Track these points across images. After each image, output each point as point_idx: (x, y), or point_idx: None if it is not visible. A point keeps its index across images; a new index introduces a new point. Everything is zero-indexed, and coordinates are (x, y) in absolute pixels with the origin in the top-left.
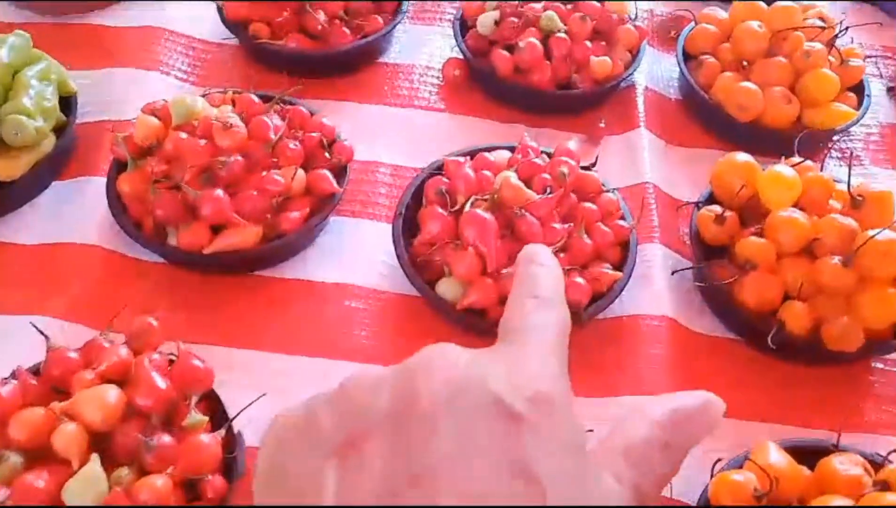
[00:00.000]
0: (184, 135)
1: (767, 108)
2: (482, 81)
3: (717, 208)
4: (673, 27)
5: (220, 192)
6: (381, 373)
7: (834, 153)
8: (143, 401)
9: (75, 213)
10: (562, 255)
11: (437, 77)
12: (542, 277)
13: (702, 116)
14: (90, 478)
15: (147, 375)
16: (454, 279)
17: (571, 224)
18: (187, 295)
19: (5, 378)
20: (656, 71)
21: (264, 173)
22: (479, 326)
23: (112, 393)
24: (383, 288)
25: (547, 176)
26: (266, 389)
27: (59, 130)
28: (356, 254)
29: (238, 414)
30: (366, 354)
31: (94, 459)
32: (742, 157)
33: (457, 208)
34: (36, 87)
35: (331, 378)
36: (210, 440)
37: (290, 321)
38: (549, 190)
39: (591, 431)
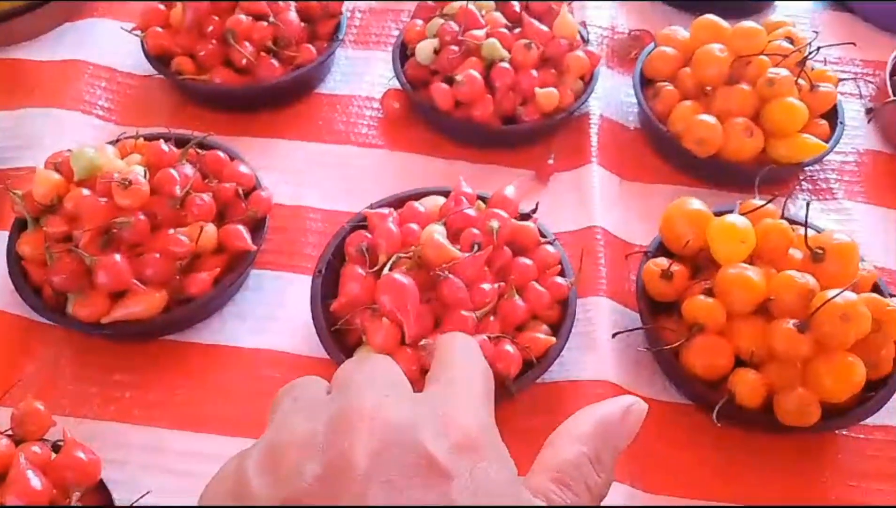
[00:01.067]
0: (86, 192)
1: (728, 141)
2: (423, 115)
3: (663, 262)
4: (634, 47)
5: (117, 257)
6: (309, 428)
7: (806, 187)
8: (15, 503)
9: None
10: (491, 319)
11: (377, 109)
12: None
13: (660, 149)
14: None
15: (21, 474)
16: (371, 349)
17: (503, 284)
18: (93, 364)
19: None
20: (614, 97)
21: (171, 232)
22: None
23: None
24: (304, 352)
25: (476, 231)
26: (169, 471)
27: None
28: (278, 313)
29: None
30: None
31: None
32: (693, 204)
33: (377, 267)
34: None
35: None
36: None
37: (199, 394)
38: (477, 247)
39: None
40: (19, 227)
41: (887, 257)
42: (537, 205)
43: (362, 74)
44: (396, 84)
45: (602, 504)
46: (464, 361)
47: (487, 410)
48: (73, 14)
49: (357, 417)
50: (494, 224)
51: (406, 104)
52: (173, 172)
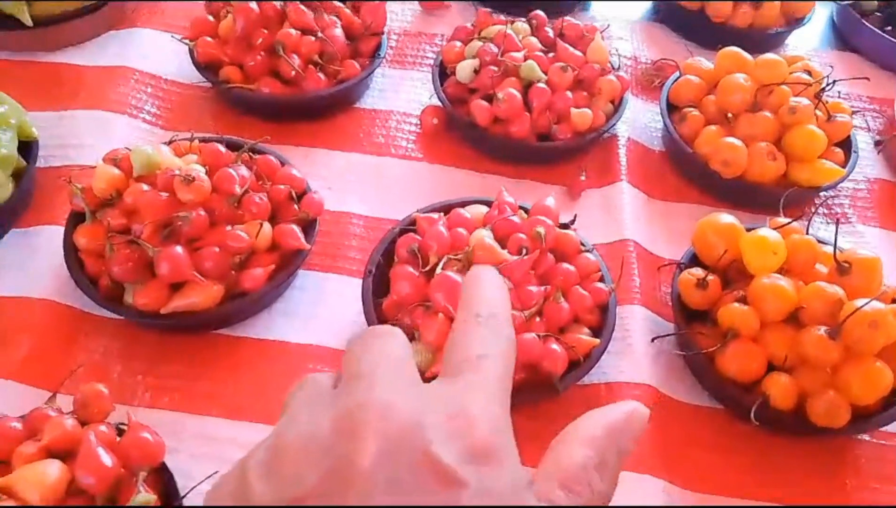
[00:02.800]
0: (145, 187)
1: (752, 164)
2: (461, 130)
3: (699, 272)
4: (656, 76)
5: (179, 249)
6: (313, 429)
7: (822, 210)
8: (86, 479)
9: (30, 265)
10: (538, 320)
11: (415, 124)
12: (486, 294)
13: (685, 170)
14: None
15: (92, 451)
16: (423, 345)
17: (548, 287)
18: (144, 355)
19: None
20: (640, 121)
21: (228, 228)
22: None
23: (53, 470)
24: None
25: (523, 236)
26: (223, 459)
27: (17, 175)
28: (324, 311)
29: (189, 492)
30: None
31: None
32: (725, 218)
33: (428, 267)
34: None
35: None
36: None
37: (251, 385)
38: (524, 251)
39: None
40: (75, 220)
41: None
42: (575, 217)
43: (398, 92)
44: (435, 101)
45: (635, 500)
46: (487, 333)
47: (504, 404)
48: (117, 23)
49: (363, 418)
50: (541, 230)
51: (444, 120)
52: (232, 171)
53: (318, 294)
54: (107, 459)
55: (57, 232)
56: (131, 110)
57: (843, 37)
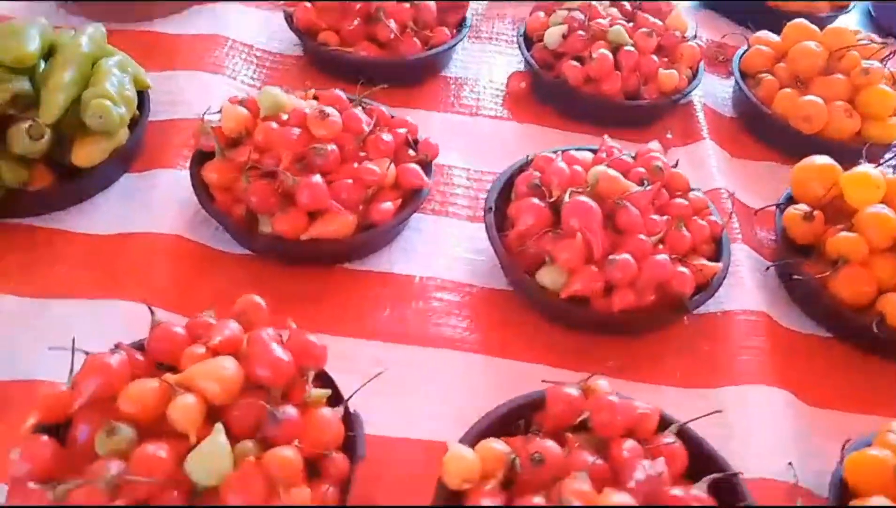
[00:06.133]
0: (274, 125)
1: (830, 120)
2: (549, 93)
3: (804, 207)
4: (719, 53)
5: (318, 178)
6: None
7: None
8: (263, 372)
9: (148, 204)
10: (661, 246)
11: (499, 90)
12: None
13: (760, 131)
14: (216, 450)
15: (266, 346)
16: (557, 268)
17: (668, 217)
18: (271, 286)
19: (111, 350)
20: (709, 90)
21: (356, 166)
22: (575, 315)
23: (230, 365)
24: (471, 282)
25: (642, 169)
26: (361, 373)
27: (131, 125)
28: (439, 249)
29: (356, 391)
30: (465, 343)
31: (219, 430)
32: (822, 159)
33: (553, 199)
34: (117, 75)
35: (433, 365)
36: (333, 416)
37: (383, 312)
38: (645, 183)
39: None
40: (199, 160)
41: None
42: (677, 161)
43: (480, 63)
44: (520, 67)
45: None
46: None
47: None
48: None
49: None
50: (659, 163)
51: (530, 85)
52: (357, 112)
53: (433, 235)
54: (282, 354)
55: (169, 176)
56: (229, 72)
57: (880, 24)
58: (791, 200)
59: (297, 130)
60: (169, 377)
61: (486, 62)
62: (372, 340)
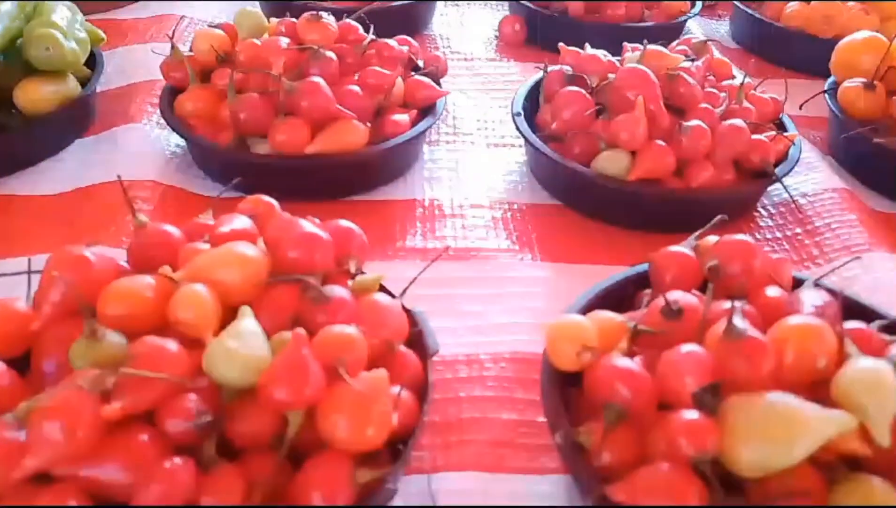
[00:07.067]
0: (258, 41)
1: (848, 20)
2: (547, 31)
3: (860, 79)
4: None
5: (320, 79)
6: None
7: None
8: (296, 253)
9: (111, 160)
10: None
11: (491, 38)
12: None
13: (771, 52)
14: (247, 335)
15: (295, 224)
16: (616, 152)
17: (725, 94)
18: None
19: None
20: (707, 31)
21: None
22: (647, 201)
23: (249, 249)
24: (510, 200)
25: (685, 46)
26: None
27: (82, 83)
28: (465, 175)
29: (410, 283)
30: (516, 254)
31: (247, 312)
32: (864, 33)
33: (596, 85)
34: (66, 14)
35: (484, 277)
36: (393, 303)
37: (414, 234)
38: (693, 58)
39: None
40: (170, 96)
41: None
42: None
43: (464, 18)
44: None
45: None
46: None
47: None
48: None
49: None
50: (702, 38)
51: (524, 27)
52: (353, 22)
53: (454, 162)
54: (318, 230)
55: (138, 129)
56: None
57: None
58: (835, 85)
59: (286, 41)
60: (165, 268)
61: (470, 17)
62: (406, 260)
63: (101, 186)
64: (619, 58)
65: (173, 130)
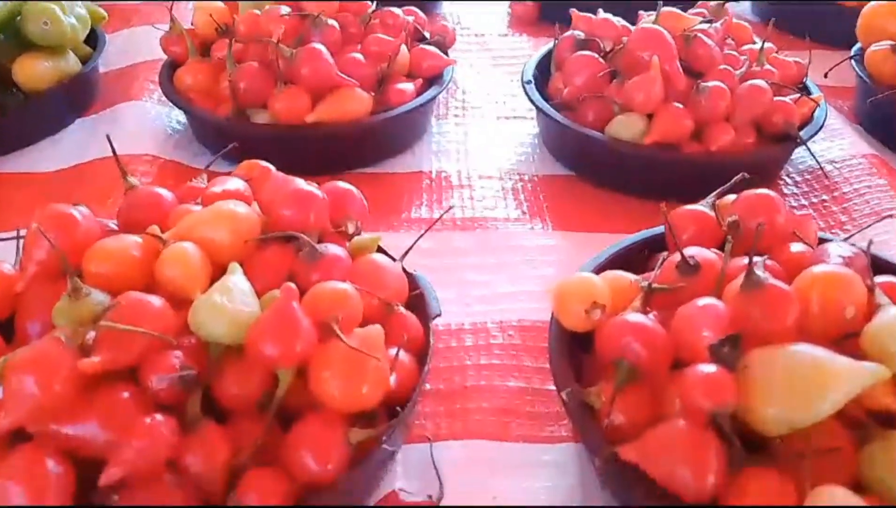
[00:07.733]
0: (257, 11)
1: None
2: (559, 6)
3: (888, 42)
4: None
5: (320, 45)
6: None
7: None
8: (289, 211)
9: (112, 136)
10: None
11: (503, 16)
12: None
13: (791, 24)
14: (235, 290)
15: (289, 182)
16: (631, 115)
17: (746, 57)
18: None
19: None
20: None
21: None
22: (662, 166)
23: (240, 208)
24: (520, 171)
25: (701, 10)
26: (414, 265)
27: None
28: (473, 148)
29: (411, 247)
30: (526, 223)
31: (235, 269)
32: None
33: (610, 50)
34: None
35: (491, 244)
36: (392, 264)
37: (420, 204)
38: (710, 20)
39: None
40: (169, 71)
41: None
42: None
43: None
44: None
45: None
46: None
47: None
48: None
49: None
50: (714, 4)
51: (536, 4)
52: None
53: (462, 135)
54: (312, 188)
55: (139, 106)
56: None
57: None
58: (861, 51)
59: (286, 9)
60: (156, 228)
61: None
62: (412, 231)
63: (100, 161)
64: (633, 26)
65: (172, 103)
